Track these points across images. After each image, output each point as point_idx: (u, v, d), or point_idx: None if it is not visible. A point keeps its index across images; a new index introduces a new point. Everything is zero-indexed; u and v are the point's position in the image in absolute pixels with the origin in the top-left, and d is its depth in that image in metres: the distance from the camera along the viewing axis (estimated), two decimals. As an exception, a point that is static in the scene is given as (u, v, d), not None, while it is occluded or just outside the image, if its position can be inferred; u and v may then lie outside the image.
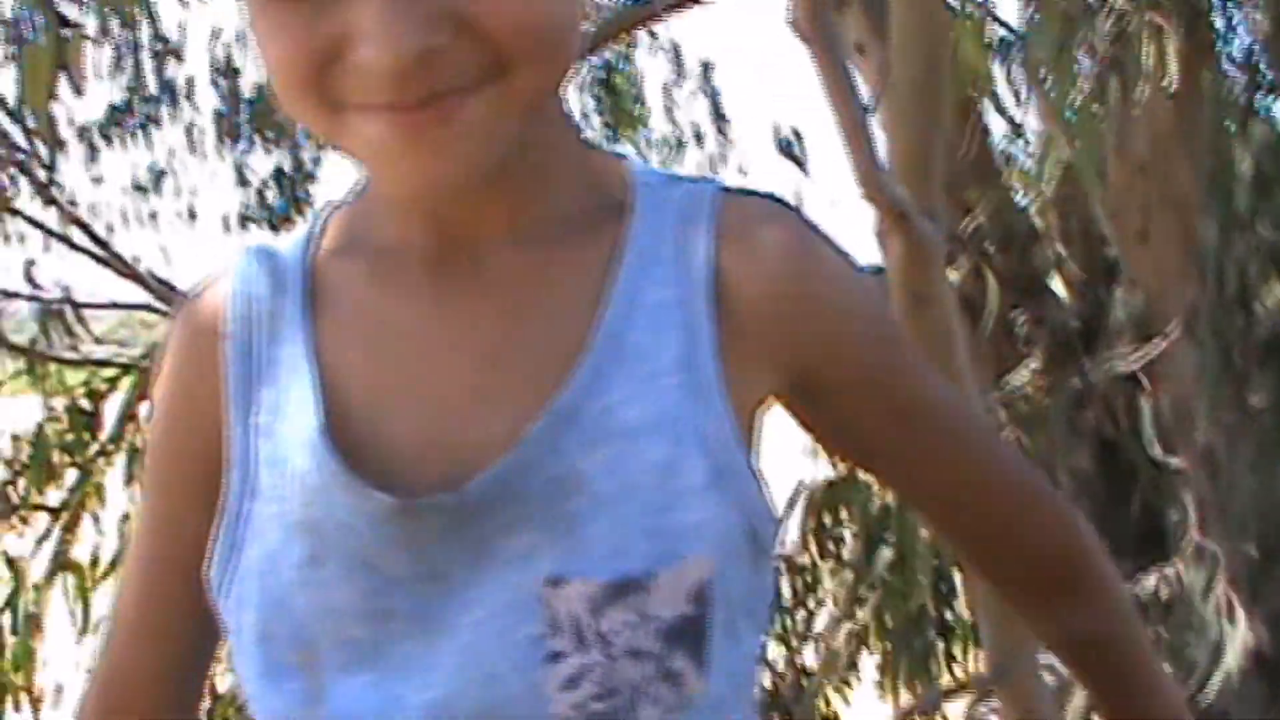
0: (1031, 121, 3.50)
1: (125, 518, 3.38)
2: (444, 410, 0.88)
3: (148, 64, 5.09)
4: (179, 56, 5.21)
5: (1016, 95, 3.63)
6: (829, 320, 0.92)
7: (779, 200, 0.93)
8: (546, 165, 0.91)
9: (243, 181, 5.50)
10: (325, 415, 0.88)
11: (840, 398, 0.94)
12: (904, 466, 0.97)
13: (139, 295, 3.79)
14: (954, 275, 3.57)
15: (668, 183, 0.94)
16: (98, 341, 3.96)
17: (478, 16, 0.80)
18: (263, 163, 5.60)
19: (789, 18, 1.42)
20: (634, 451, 0.84)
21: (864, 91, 1.91)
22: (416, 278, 0.91)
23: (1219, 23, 3.69)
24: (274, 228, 5.30)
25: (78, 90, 2.88)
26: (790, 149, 4.11)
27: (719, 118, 6.18)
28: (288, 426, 0.89)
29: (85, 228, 3.84)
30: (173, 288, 4.36)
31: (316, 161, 5.66)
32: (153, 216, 5.81)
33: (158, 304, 4.19)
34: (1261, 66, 3.48)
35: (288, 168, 5.45)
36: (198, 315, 0.95)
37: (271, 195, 5.37)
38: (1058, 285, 3.83)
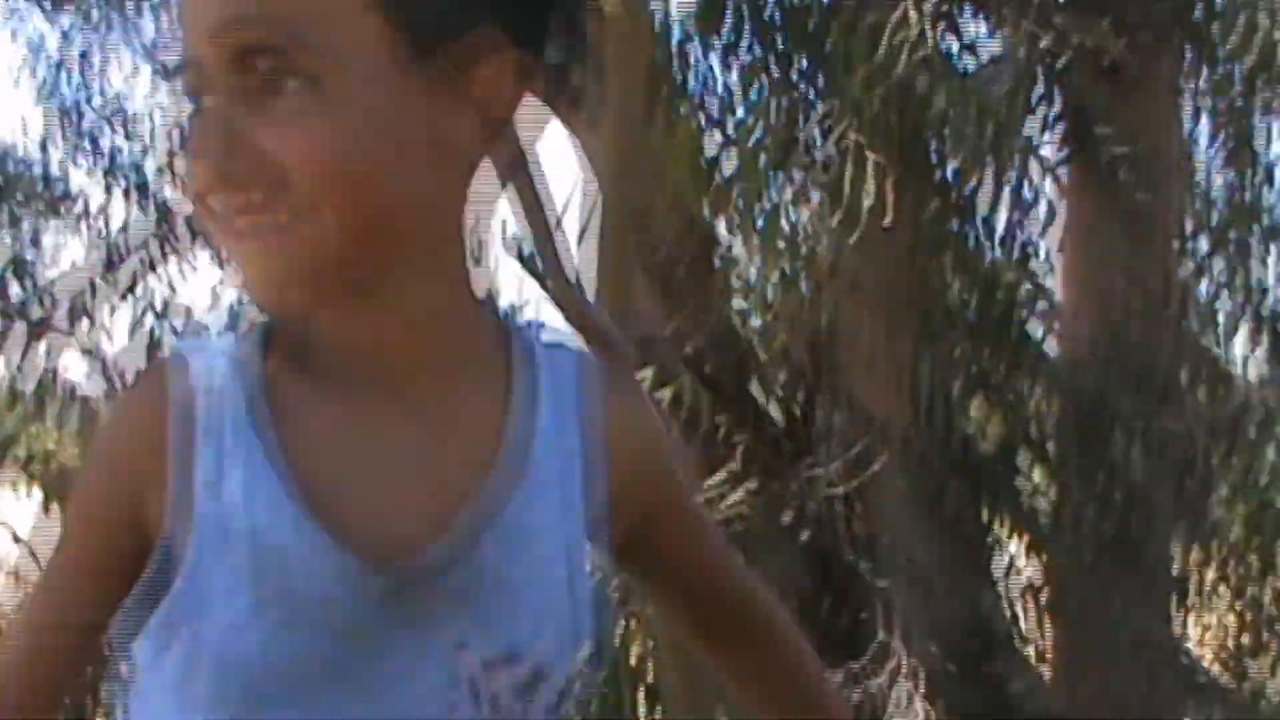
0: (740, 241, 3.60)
1: None
2: (391, 504, 1.07)
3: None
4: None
5: (732, 210, 3.74)
6: (663, 467, 1.21)
7: (623, 370, 1.21)
8: (441, 311, 1.09)
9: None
10: (300, 493, 1.05)
11: (658, 518, 1.18)
12: (680, 567, 1.23)
13: None
14: (672, 390, 3.65)
15: (529, 330, 1.16)
16: None
17: (269, 148, 0.99)
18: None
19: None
20: (530, 549, 1.08)
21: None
22: (354, 394, 1.09)
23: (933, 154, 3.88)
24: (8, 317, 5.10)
25: None
26: (520, 250, 4.18)
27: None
28: (254, 501, 1.05)
29: None
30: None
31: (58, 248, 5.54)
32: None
33: None
34: (966, 194, 3.67)
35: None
36: (153, 403, 1.08)
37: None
38: (773, 402, 3.95)
